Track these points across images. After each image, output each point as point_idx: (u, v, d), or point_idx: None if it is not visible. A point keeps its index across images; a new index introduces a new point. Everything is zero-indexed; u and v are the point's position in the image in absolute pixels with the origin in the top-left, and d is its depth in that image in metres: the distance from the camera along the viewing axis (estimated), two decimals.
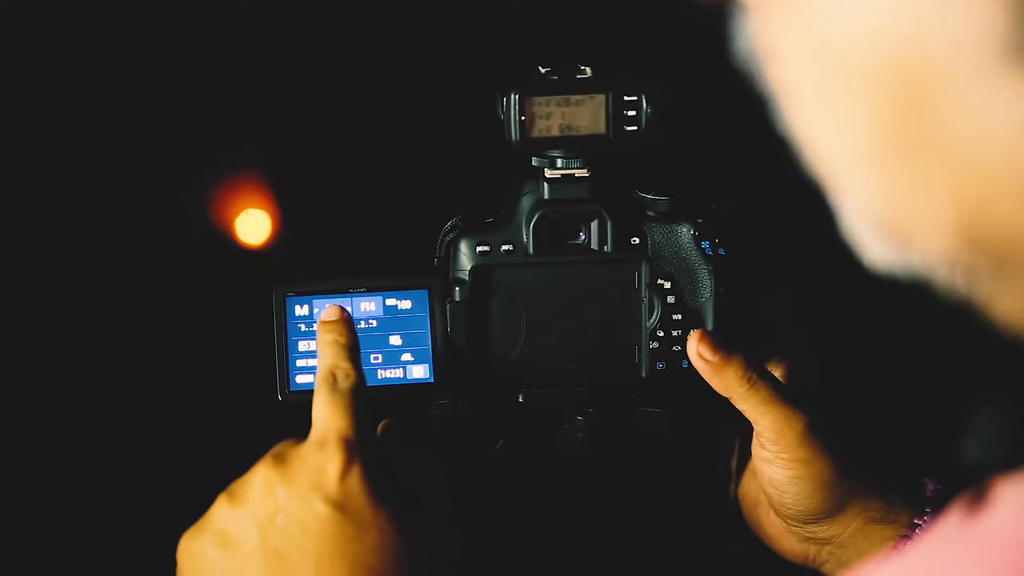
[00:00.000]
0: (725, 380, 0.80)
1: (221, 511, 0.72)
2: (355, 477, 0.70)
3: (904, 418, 0.97)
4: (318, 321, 0.79)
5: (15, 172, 0.96)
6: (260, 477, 0.72)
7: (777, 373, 0.82)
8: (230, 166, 0.98)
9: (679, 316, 0.85)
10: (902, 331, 0.97)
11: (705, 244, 0.84)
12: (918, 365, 0.99)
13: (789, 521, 0.83)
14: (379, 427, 0.79)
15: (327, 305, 0.81)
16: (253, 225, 0.98)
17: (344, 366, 0.76)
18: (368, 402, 0.75)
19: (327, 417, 0.73)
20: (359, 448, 0.72)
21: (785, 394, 0.80)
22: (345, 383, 0.75)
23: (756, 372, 0.80)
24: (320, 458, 0.71)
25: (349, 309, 0.83)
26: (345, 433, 0.72)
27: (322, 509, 0.70)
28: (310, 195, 0.99)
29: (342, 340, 0.78)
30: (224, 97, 0.97)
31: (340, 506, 0.70)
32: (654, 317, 0.85)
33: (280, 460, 0.72)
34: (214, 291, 0.99)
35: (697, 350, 0.81)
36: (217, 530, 0.72)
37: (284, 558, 0.69)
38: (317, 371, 0.76)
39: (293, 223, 0.99)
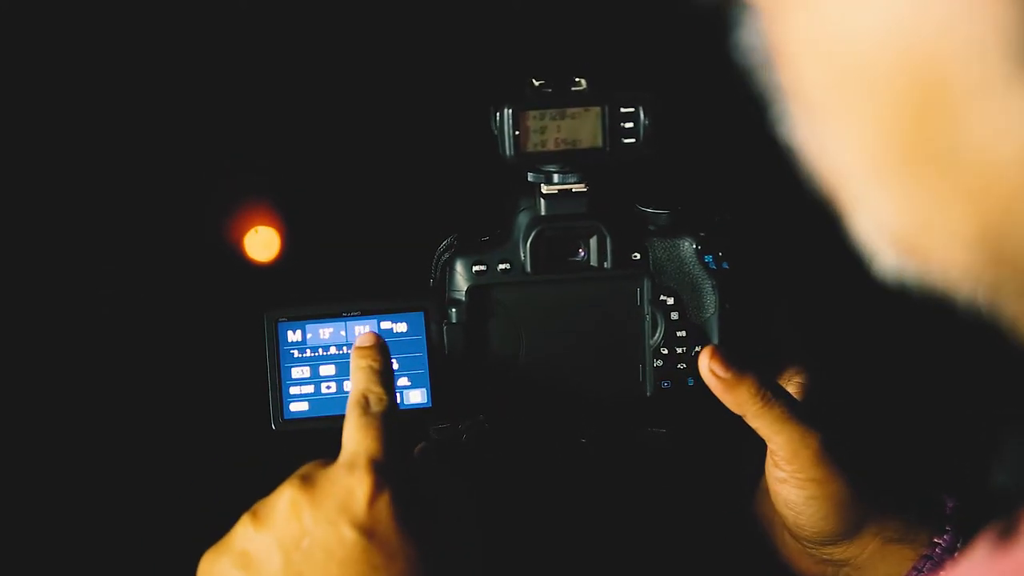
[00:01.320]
0: (739, 398, 0.78)
1: (244, 531, 0.70)
2: (384, 503, 0.69)
3: (919, 434, 0.94)
4: (353, 347, 0.78)
5: (27, 184, 0.95)
6: (286, 498, 0.70)
7: (788, 390, 0.80)
8: (241, 183, 0.98)
9: (683, 333, 0.82)
10: (918, 345, 0.95)
11: (708, 258, 0.82)
12: (931, 378, 0.96)
13: (805, 543, 0.81)
14: (416, 451, 0.78)
15: (361, 331, 0.80)
16: (262, 242, 0.98)
17: (377, 390, 0.75)
18: (399, 428, 0.73)
19: (358, 440, 0.72)
20: (389, 473, 0.70)
21: (800, 412, 0.78)
22: (377, 407, 0.74)
23: (770, 389, 0.78)
24: (349, 481, 0.69)
25: (343, 333, 0.81)
26: (375, 457, 0.70)
27: (349, 534, 0.68)
28: (306, 216, 0.97)
29: (376, 365, 0.76)
30: (227, 117, 0.95)
31: (368, 532, 0.68)
32: (657, 334, 0.83)
33: (308, 482, 0.70)
34: (222, 307, 0.98)
35: (709, 367, 0.79)
36: (240, 551, 0.70)
37: None
38: (350, 395, 0.75)
39: (291, 244, 0.98)
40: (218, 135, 0.96)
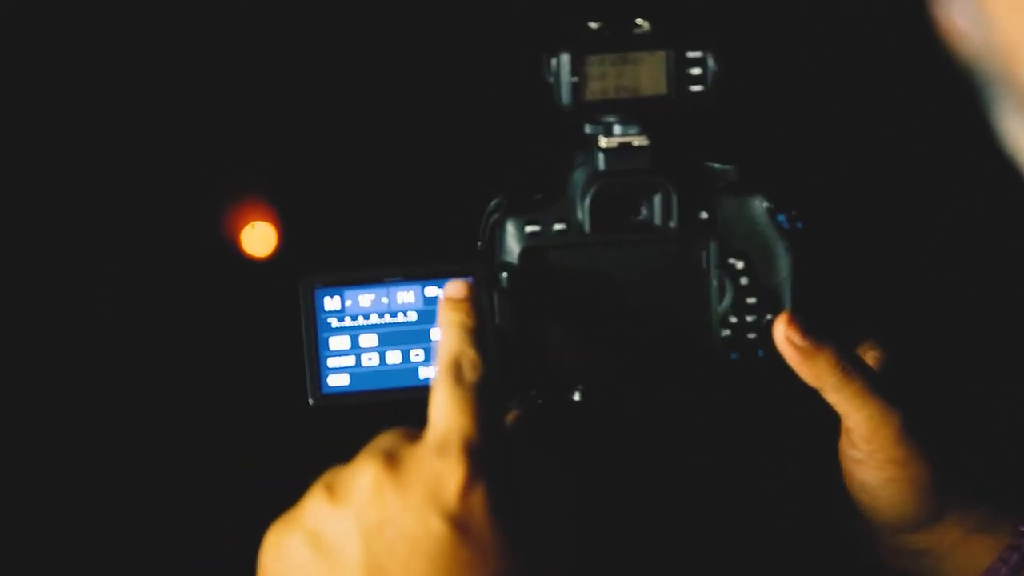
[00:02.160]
0: (816, 369, 0.72)
1: (319, 507, 0.62)
2: (479, 494, 0.61)
3: (1004, 418, 0.88)
4: (441, 298, 0.70)
5: (21, 181, 0.91)
6: (368, 477, 0.61)
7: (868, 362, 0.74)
8: (238, 178, 0.93)
9: (753, 299, 0.76)
10: (1005, 321, 0.88)
11: (781, 217, 0.75)
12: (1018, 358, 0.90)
13: (882, 530, 0.74)
14: (508, 420, 0.71)
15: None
16: (259, 237, 0.94)
17: (472, 354, 0.66)
18: (497, 399, 0.66)
19: (450, 417, 0.63)
20: (485, 459, 0.62)
21: (881, 387, 0.72)
22: (472, 375, 0.65)
23: (850, 361, 0.72)
24: (440, 466, 0.61)
25: (385, 300, 0.75)
26: (470, 438, 0.62)
27: (439, 527, 0.60)
28: (333, 173, 0.91)
29: (470, 322, 0.68)
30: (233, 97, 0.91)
31: (460, 526, 0.60)
32: (725, 300, 0.76)
33: (393, 462, 0.62)
34: (222, 300, 0.94)
35: (786, 335, 0.73)
36: (311, 529, 0.62)
37: None
38: (439, 358, 0.66)
39: (316, 204, 0.93)
40: (213, 130, 0.92)
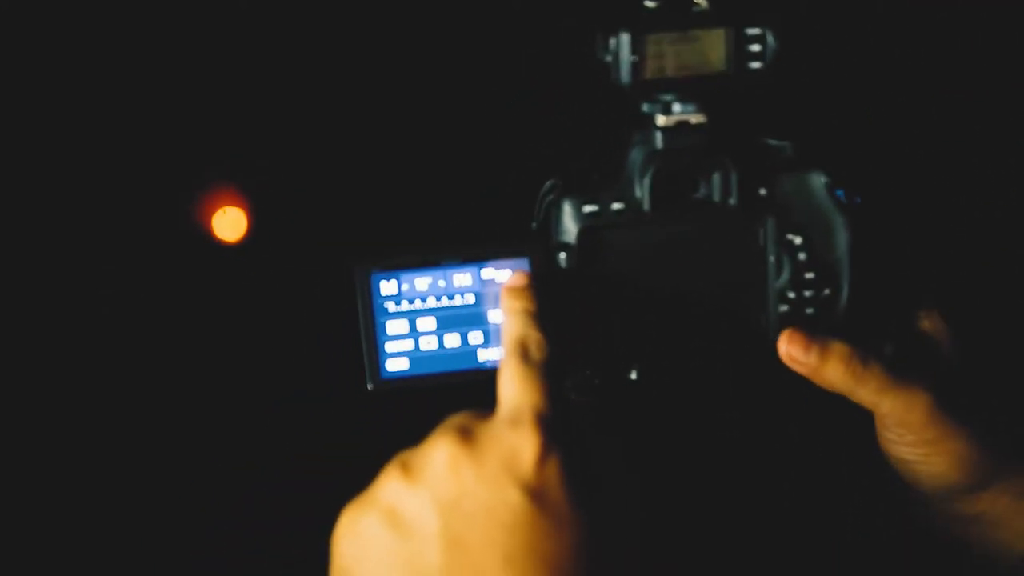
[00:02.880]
0: (829, 377, 0.73)
1: (393, 486, 0.62)
2: (553, 464, 0.61)
3: None
4: (503, 288, 0.71)
5: None
6: (443, 452, 0.62)
7: (916, 333, 0.74)
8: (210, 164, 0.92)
9: (812, 274, 0.75)
10: None
11: (839, 192, 0.75)
12: None
13: (928, 498, 0.74)
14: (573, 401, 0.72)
15: (512, 271, 0.73)
16: (230, 222, 0.93)
17: (536, 335, 0.67)
18: (561, 379, 0.66)
19: (520, 392, 0.64)
20: (557, 431, 0.62)
21: (903, 373, 0.72)
22: (538, 355, 0.66)
23: (861, 359, 0.72)
24: (515, 439, 0.61)
25: (442, 283, 0.74)
26: (542, 411, 0.63)
27: (516, 498, 0.60)
28: (367, 145, 0.90)
29: (532, 308, 0.69)
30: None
31: (537, 496, 0.60)
32: (783, 276, 0.76)
33: (467, 436, 0.62)
34: (195, 285, 0.93)
35: (788, 353, 0.73)
36: (388, 507, 0.62)
37: (468, 550, 0.60)
38: (504, 341, 0.68)
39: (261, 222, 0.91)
40: (185, 121, 0.90)
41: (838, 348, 0.73)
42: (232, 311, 0.90)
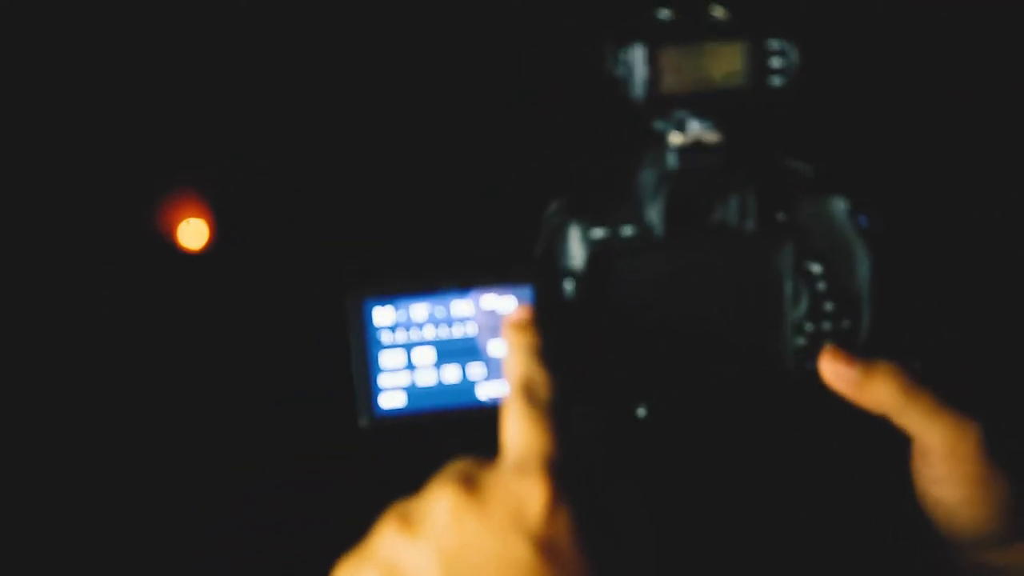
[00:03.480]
0: (877, 395, 0.68)
1: (392, 539, 0.58)
2: (563, 514, 0.57)
3: None
4: (506, 323, 0.67)
5: None
6: (446, 503, 0.58)
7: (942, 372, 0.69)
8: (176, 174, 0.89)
9: (831, 305, 0.71)
10: None
11: (862, 218, 0.70)
12: None
13: (960, 548, 0.70)
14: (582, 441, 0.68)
15: (515, 299, 0.69)
16: (193, 232, 0.92)
17: (543, 375, 0.63)
18: (569, 421, 0.62)
19: (527, 437, 0.60)
20: (567, 478, 0.58)
21: (953, 399, 0.67)
22: (545, 395, 0.62)
23: (912, 377, 0.67)
24: (522, 488, 0.58)
25: (441, 312, 0.69)
26: (550, 457, 0.59)
27: (524, 551, 0.56)
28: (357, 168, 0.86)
29: (538, 344, 0.65)
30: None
31: (546, 549, 0.57)
32: (801, 307, 0.71)
33: (471, 484, 0.58)
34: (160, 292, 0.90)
35: (832, 369, 0.69)
36: (387, 561, 0.58)
37: None
38: (508, 379, 0.64)
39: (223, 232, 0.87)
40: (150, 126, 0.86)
41: (886, 364, 0.68)
42: (201, 328, 0.86)
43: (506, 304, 0.70)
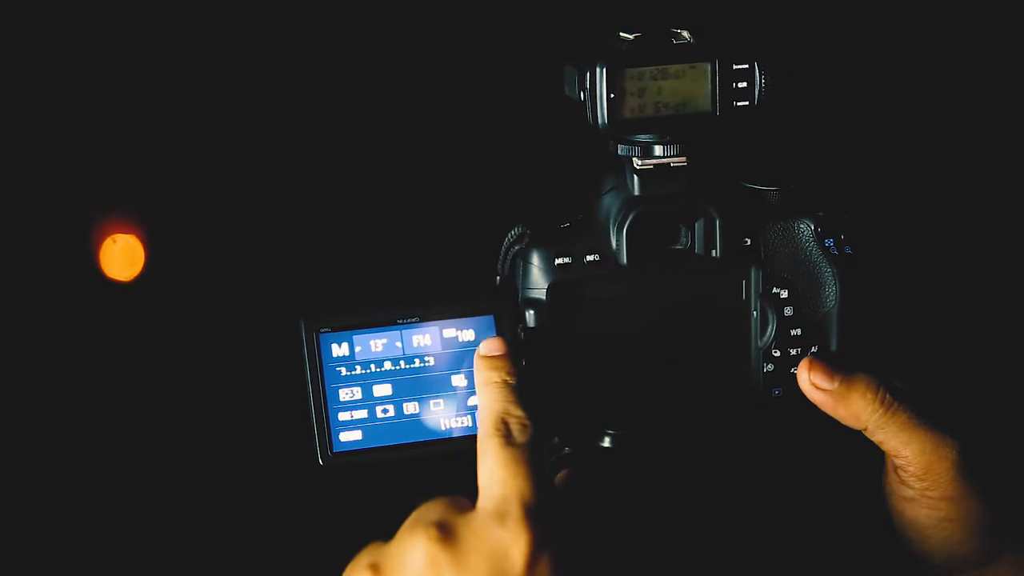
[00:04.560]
0: (854, 408, 0.67)
1: None
2: (545, 563, 0.55)
3: None
4: (477, 355, 0.64)
5: None
6: (420, 552, 0.55)
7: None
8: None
9: (798, 331, 0.70)
10: None
11: (829, 242, 0.69)
12: None
13: (932, 571, 0.69)
14: (558, 480, 0.65)
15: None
16: (121, 254, 0.81)
17: (518, 413, 0.61)
18: (547, 461, 0.62)
19: (505, 480, 0.57)
20: (547, 523, 0.56)
21: (932, 416, 0.66)
22: (522, 435, 0.60)
23: (891, 392, 0.66)
24: (501, 535, 0.55)
25: (399, 344, 0.67)
26: (529, 502, 0.56)
27: None
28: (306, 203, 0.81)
29: (512, 380, 0.63)
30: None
31: None
32: (768, 333, 0.70)
33: (447, 534, 0.56)
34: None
35: (810, 380, 0.68)
36: None
37: None
38: (481, 419, 0.61)
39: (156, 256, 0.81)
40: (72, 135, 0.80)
41: (866, 377, 0.67)
42: (137, 362, 0.80)
43: (467, 335, 0.68)
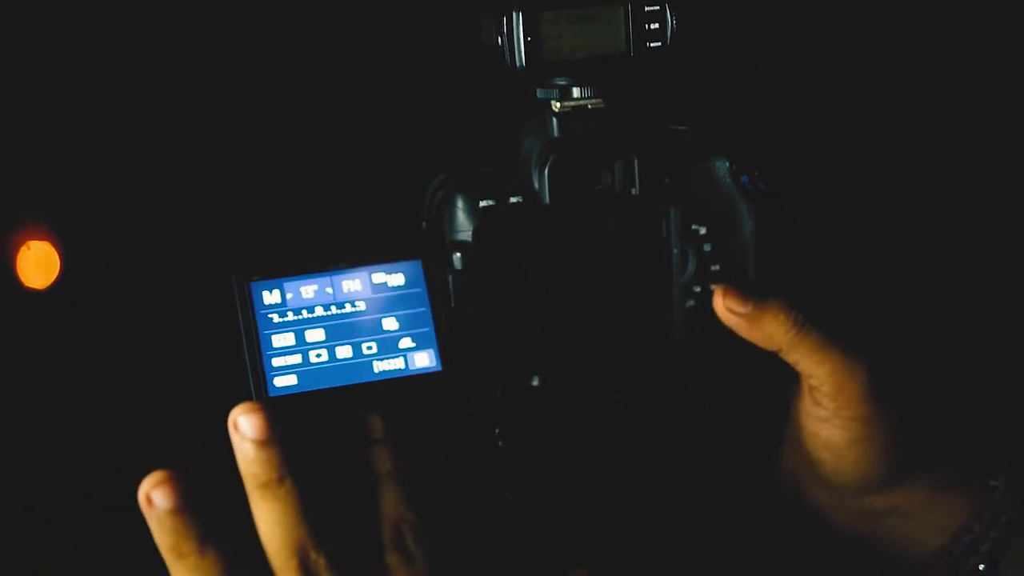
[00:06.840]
0: (767, 329, 0.69)
1: None
2: None
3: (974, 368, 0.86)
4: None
5: None
6: None
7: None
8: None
9: (718, 267, 0.72)
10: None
11: (744, 178, 0.71)
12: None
13: (844, 492, 0.72)
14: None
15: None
16: (37, 262, 0.78)
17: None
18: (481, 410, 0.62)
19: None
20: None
21: (843, 338, 0.68)
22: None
23: (802, 314, 0.68)
24: None
25: (330, 290, 0.68)
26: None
27: None
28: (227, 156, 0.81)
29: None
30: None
31: None
32: (688, 269, 0.72)
33: None
34: None
35: (724, 305, 0.69)
36: None
37: None
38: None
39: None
40: None
41: (777, 301, 0.69)
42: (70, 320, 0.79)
43: (396, 280, 0.69)
